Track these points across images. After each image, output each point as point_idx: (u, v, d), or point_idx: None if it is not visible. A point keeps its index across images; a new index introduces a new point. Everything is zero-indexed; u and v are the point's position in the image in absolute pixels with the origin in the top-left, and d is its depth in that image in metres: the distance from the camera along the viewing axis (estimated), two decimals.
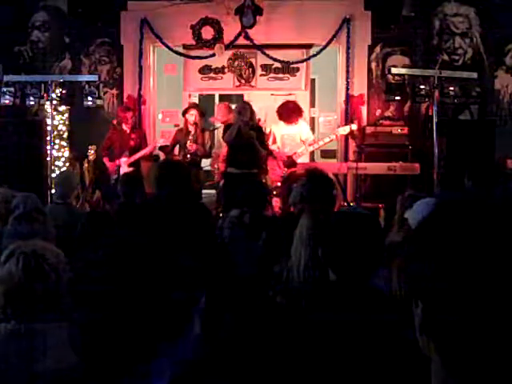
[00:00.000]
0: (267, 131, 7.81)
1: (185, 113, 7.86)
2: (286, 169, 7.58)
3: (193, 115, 7.70)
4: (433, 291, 0.93)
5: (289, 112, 7.66)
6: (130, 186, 5.11)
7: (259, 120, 7.85)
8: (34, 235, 3.33)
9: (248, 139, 6.89)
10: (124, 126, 7.92)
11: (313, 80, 9.92)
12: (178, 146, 7.87)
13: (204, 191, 8.02)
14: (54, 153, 7.98)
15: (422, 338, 0.98)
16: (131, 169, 7.64)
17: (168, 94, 10.12)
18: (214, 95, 10.68)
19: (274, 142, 7.74)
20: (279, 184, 7.59)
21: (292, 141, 7.71)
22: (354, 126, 7.97)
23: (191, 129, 7.68)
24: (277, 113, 7.74)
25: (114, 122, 8.07)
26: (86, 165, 8.14)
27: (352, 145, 8.54)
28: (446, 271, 0.92)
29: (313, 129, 8.98)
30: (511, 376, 0.90)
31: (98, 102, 8.14)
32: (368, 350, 1.79)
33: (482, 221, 0.94)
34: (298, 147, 7.68)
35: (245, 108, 7.03)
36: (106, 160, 7.91)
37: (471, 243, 0.91)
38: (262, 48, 8.80)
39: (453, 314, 0.91)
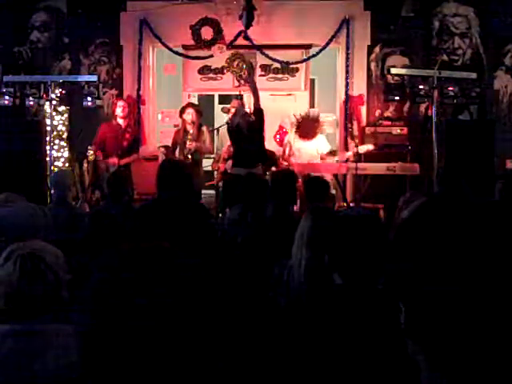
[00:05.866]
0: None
1: (181, 113, 7.78)
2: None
3: (189, 114, 7.62)
4: (413, 291, 0.92)
5: (306, 130, 7.65)
6: (116, 187, 5.06)
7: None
8: None
9: (248, 130, 6.75)
10: (119, 120, 7.65)
11: (312, 80, 9.92)
12: (178, 147, 7.83)
13: (204, 191, 8.01)
14: (54, 153, 7.96)
15: (408, 342, 0.97)
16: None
17: (168, 94, 10.12)
18: (213, 95, 10.69)
19: (290, 153, 7.70)
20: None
21: (308, 154, 7.63)
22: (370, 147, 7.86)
23: (189, 128, 7.62)
24: (295, 129, 7.72)
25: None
26: (85, 165, 8.12)
27: (351, 145, 8.54)
28: (426, 270, 0.91)
29: None
30: (501, 372, 0.91)
31: (98, 102, 8.10)
32: (371, 351, 1.79)
33: (464, 220, 0.93)
34: (314, 159, 7.62)
35: (240, 107, 6.96)
36: (99, 153, 7.56)
37: (453, 242, 0.91)
38: (261, 48, 8.80)
39: (436, 313, 0.90)
